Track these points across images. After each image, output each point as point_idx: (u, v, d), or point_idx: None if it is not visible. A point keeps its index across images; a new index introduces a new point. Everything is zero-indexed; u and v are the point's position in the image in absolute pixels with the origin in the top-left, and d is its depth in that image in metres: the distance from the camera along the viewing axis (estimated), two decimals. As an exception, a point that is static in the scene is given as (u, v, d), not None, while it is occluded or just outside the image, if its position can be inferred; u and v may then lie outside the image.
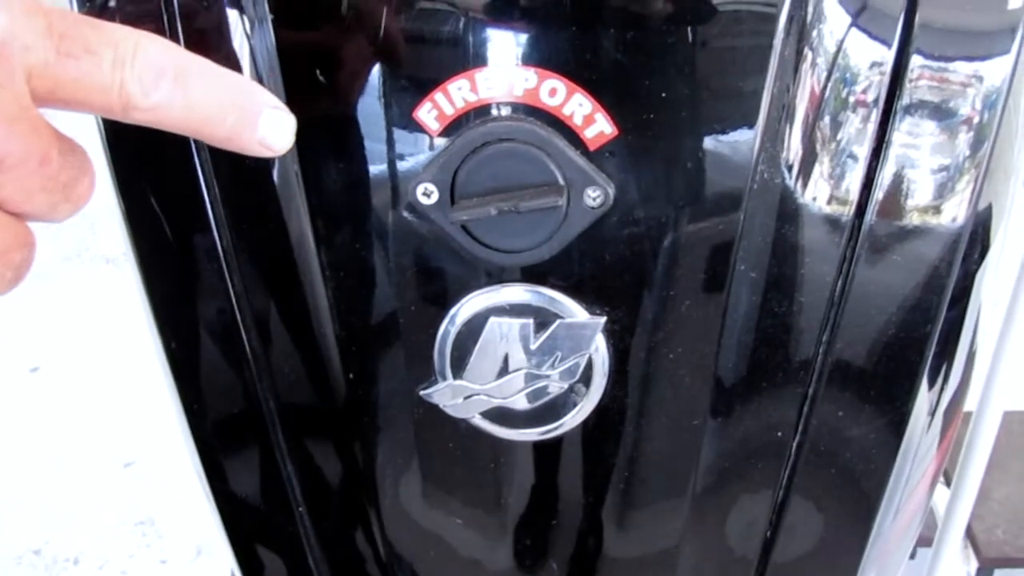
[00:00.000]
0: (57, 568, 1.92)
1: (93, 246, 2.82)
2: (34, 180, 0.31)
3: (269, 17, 0.41)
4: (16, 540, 1.97)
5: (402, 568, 0.53)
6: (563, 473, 0.49)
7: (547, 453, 0.47)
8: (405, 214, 0.43)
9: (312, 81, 0.42)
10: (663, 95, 0.40)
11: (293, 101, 0.42)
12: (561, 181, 0.40)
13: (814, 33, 0.40)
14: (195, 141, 0.43)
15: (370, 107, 0.42)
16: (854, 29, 0.41)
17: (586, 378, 0.44)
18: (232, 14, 0.42)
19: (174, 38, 0.43)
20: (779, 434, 0.47)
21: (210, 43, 0.42)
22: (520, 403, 0.45)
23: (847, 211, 0.43)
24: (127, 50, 0.32)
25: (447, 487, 0.50)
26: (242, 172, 0.44)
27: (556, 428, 0.44)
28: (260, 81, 0.42)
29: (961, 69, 0.41)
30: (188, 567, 1.92)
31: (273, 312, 0.47)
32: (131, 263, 0.46)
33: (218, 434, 0.51)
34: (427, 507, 0.51)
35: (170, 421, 0.51)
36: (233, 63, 0.42)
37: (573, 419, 0.44)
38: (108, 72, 0.32)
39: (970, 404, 0.90)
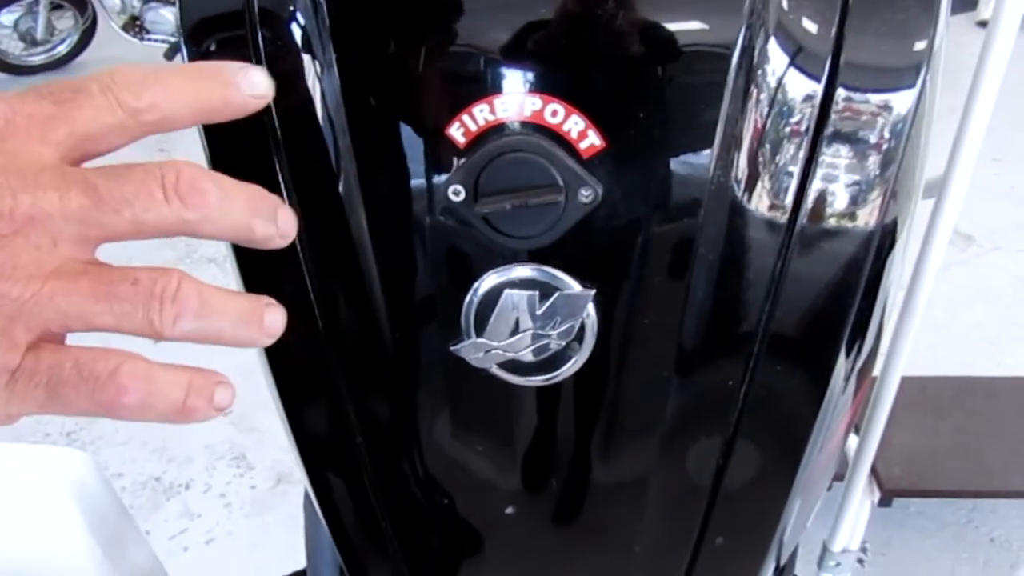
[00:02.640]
0: (172, 491, 1.94)
1: (200, 250, 2.83)
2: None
3: (334, 56, 0.41)
4: (143, 470, 1.99)
5: (436, 487, 0.53)
6: (560, 412, 0.49)
7: (548, 396, 0.47)
8: (439, 210, 0.42)
9: (367, 109, 0.41)
10: (641, 115, 0.40)
11: (353, 124, 0.42)
12: (560, 183, 0.40)
13: (759, 72, 0.40)
14: (277, 159, 0.43)
15: (412, 127, 0.41)
16: (792, 68, 0.40)
17: (579, 338, 0.44)
18: (306, 58, 0.42)
19: None
20: (730, 383, 0.47)
21: (290, 82, 0.42)
22: (528, 357, 0.44)
23: (783, 216, 0.42)
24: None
25: (470, 422, 0.50)
26: (315, 181, 0.44)
27: (555, 376, 0.44)
28: (326, 107, 0.42)
29: (876, 101, 0.41)
30: (271, 491, 1.92)
31: (338, 289, 0.47)
32: (229, 259, 0.46)
33: (296, 384, 0.51)
34: (455, 439, 0.51)
35: (257, 379, 0.51)
36: (307, 98, 0.42)
37: (569, 370, 0.44)
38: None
39: (876, 370, 0.90)
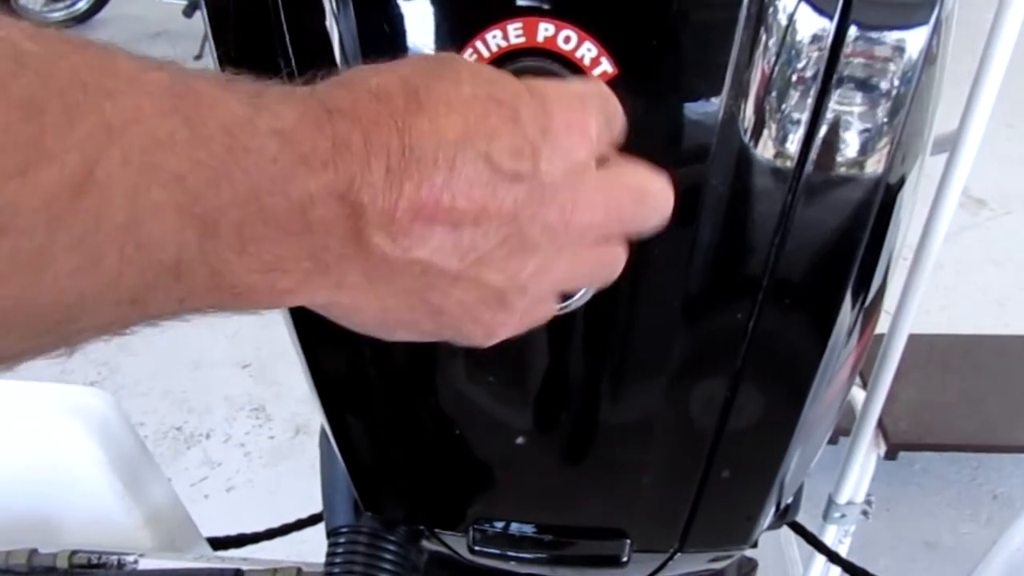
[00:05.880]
0: (193, 440, 1.96)
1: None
2: None
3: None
4: (164, 420, 2.01)
5: (447, 418, 0.53)
6: (572, 343, 0.49)
7: (560, 327, 0.46)
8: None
9: (381, 35, 0.41)
10: (653, 43, 0.39)
11: (366, 51, 0.41)
12: (573, 109, 0.39)
13: (771, 8, 0.39)
14: None
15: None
16: (803, 3, 0.39)
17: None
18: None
19: (275, 10, 0.42)
20: (738, 318, 0.46)
21: (308, 22, 0.42)
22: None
23: (793, 151, 0.41)
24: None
25: (482, 352, 0.49)
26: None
27: (567, 306, 0.43)
28: (343, 45, 0.42)
29: (888, 39, 0.40)
30: (289, 442, 1.94)
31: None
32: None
33: (311, 314, 0.50)
34: (467, 369, 0.51)
35: (275, 332, 0.51)
36: (324, 36, 0.42)
37: (580, 299, 0.43)
38: None
39: (884, 328, 0.90)
